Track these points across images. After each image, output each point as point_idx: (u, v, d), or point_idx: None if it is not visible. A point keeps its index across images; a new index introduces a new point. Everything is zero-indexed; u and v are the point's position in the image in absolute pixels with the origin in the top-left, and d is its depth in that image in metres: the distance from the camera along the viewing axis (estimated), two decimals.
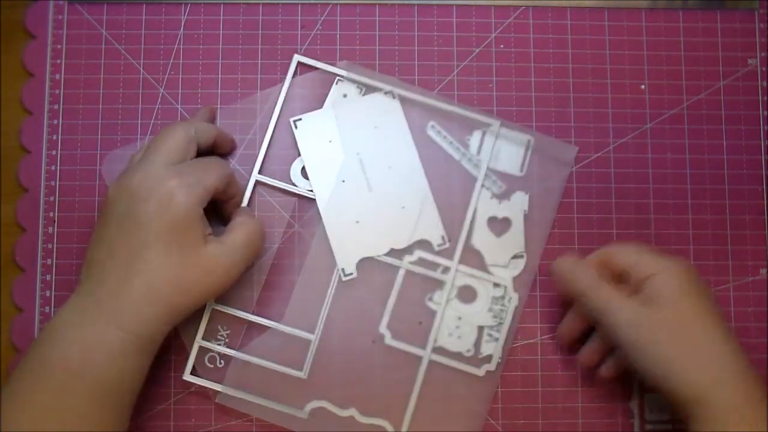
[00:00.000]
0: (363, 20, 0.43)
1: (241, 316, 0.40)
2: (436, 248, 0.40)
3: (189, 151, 0.36)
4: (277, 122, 0.41)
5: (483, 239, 0.41)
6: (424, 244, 0.40)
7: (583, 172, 0.42)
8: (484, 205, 0.41)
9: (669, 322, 0.33)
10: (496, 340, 0.40)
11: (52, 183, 0.41)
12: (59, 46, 0.42)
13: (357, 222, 0.40)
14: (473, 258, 0.41)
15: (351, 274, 0.40)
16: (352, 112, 0.41)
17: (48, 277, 0.41)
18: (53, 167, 0.42)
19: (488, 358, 0.40)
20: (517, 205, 0.41)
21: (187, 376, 0.39)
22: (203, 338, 0.40)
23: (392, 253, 0.40)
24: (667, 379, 0.33)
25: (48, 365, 0.33)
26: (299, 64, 0.42)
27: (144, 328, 0.34)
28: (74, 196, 0.41)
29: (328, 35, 0.43)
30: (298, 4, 0.43)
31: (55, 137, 0.42)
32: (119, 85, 0.42)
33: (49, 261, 0.41)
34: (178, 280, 0.34)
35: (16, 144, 0.42)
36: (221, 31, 0.43)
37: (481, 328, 0.40)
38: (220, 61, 0.42)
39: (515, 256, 0.41)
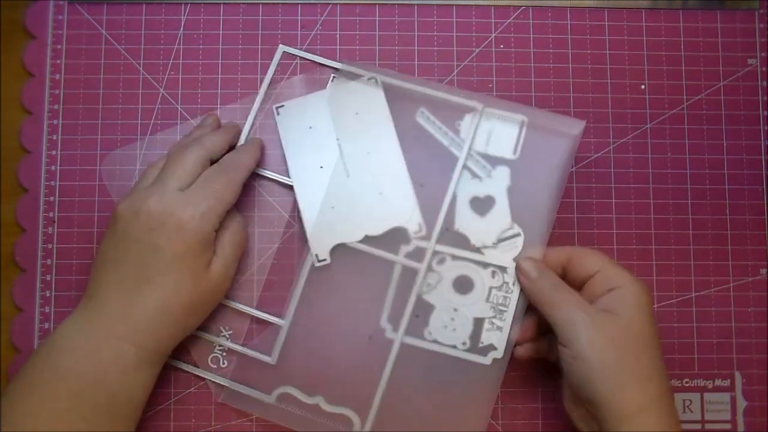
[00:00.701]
0: (363, 20, 0.43)
1: (244, 310, 0.40)
2: (413, 235, 0.40)
3: (201, 172, 0.37)
4: (257, 114, 0.42)
5: (466, 221, 0.40)
6: (402, 231, 0.40)
7: (583, 172, 0.42)
8: (464, 186, 0.40)
9: (621, 336, 0.34)
10: (500, 328, 0.39)
11: (52, 183, 0.41)
12: (59, 46, 0.42)
13: (332, 208, 0.40)
14: (463, 243, 0.40)
15: (324, 260, 0.40)
16: (333, 98, 0.41)
17: (48, 277, 0.41)
18: (53, 167, 0.42)
19: (490, 347, 0.39)
20: (499, 181, 0.40)
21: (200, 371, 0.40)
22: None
23: (389, 242, 0.40)
24: (600, 384, 0.33)
25: (60, 375, 0.33)
26: (285, 55, 0.42)
27: (156, 345, 0.35)
28: (74, 196, 0.41)
29: (328, 35, 0.43)
30: (298, 4, 0.43)
31: (55, 137, 0.42)
32: (119, 85, 0.42)
33: (49, 261, 0.41)
34: (190, 303, 0.35)
35: (16, 144, 0.42)
36: (221, 31, 0.43)
37: (478, 320, 0.39)
38: (220, 61, 0.43)
39: (510, 236, 0.40)
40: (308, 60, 0.42)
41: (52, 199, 0.41)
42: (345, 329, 0.40)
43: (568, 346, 0.34)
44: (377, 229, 0.40)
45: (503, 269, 0.39)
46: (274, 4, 0.43)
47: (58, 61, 0.42)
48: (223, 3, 0.43)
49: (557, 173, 0.40)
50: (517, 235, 0.40)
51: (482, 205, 0.40)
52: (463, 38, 0.43)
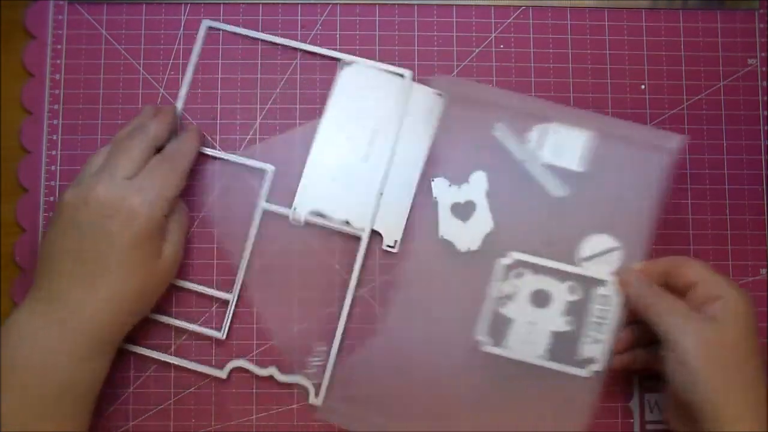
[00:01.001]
0: (363, 20, 0.43)
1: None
2: (384, 247, 0.40)
3: (147, 160, 0.37)
4: (187, 91, 0.42)
5: (449, 228, 0.40)
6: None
7: None
8: (442, 193, 0.40)
9: (725, 343, 0.34)
10: (599, 341, 0.38)
11: (52, 183, 0.41)
12: (59, 46, 0.42)
13: (332, 179, 0.41)
14: (562, 254, 0.39)
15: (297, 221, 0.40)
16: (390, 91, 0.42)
17: None
18: (53, 167, 0.42)
19: (590, 360, 0.38)
20: (476, 186, 0.40)
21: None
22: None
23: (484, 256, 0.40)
24: (702, 388, 0.33)
25: (10, 365, 0.33)
26: (210, 29, 0.42)
27: (107, 335, 0.35)
28: None
29: (328, 35, 0.43)
30: (298, 4, 0.43)
31: (55, 137, 0.42)
32: (119, 85, 0.42)
33: None
34: (142, 290, 0.36)
35: (16, 144, 0.42)
36: (221, 31, 0.43)
37: (557, 334, 0.39)
38: (219, 61, 0.42)
39: (607, 250, 0.39)
40: (235, 33, 0.42)
41: (52, 199, 0.41)
42: (434, 339, 0.40)
43: (675, 351, 0.34)
44: (360, 223, 0.40)
45: (585, 283, 0.39)
46: (274, 4, 0.43)
47: (58, 61, 0.42)
48: (223, 3, 0.43)
49: (652, 187, 0.40)
50: (615, 248, 0.39)
51: (463, 210, 0.40)
52: (463, 38, 0.43)
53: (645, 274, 0.38)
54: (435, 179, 0.41)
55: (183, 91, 0.42)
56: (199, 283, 0.40)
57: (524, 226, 0.40)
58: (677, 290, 0.37)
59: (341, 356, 0.40)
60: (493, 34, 0.43)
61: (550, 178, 0.40)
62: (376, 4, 0.43)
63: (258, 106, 0.42)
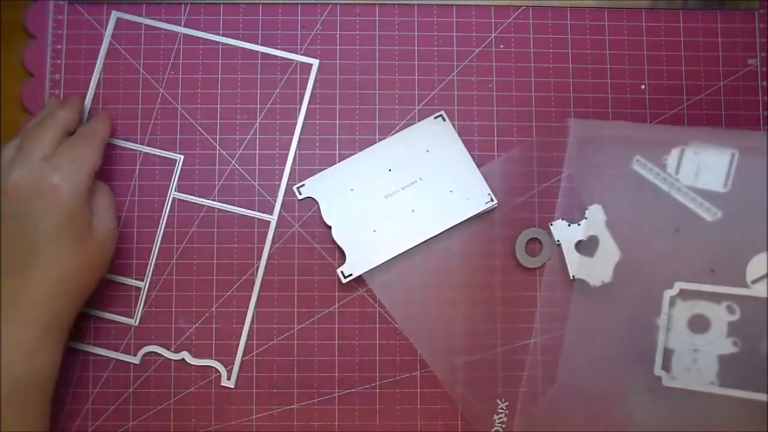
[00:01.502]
0: (363, 20, 0.43)
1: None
2: (339, 270, 0.40)
3: (60, 142, 0.37)
4: (97, 84, 0.42)
5: (579, 266, 0.40)
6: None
7: None
8: (563, 234, 0.40)
9: None
10: None
11: None
12: (59, 46, 0.42)
13: (351, 191, 0.41)
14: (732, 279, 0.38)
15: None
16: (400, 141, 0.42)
17: None
18: None
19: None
20: (595, 220, 0.40)
21: None
22: None
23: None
24: None
25: None
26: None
27: (58, 320, 0.35)
28: None
29: (328, 35, 0.43)
30: (298, 4, 0.43)
31: None
32: (119, 85, 0.42)
33: None
34: (81, 265, 0.35)
35: None
36: (221, 31, 0.43)
37: (724, 357, 0.38)
38: (219, 61, 0.42)
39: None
40: (149, 26, 0.42)
41: None
42: (610, 380, 0.39)
43: None
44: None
45: (747, 301, 0.38)
46: (274, 4, 0.43)
47: (58, 61, 0.42)
48: (223, 3, 0.43)
49: None
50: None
51: (587, 246, 0.40)
52: (463, 38, 0.43)
53: None
54: (553, 223, 0.41)
55: (92, 87, 0.42)
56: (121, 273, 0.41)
57: (651, 253, 0.39)
58: None
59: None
60: (493, 34, 0.43)
61: (699, 201, 0.39)
62: (376, 4, 0.43)
63: (258, 106, 0.42)
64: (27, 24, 0.42)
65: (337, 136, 0.42)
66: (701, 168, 0.40)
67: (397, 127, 0.42)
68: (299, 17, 0.43)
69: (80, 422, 0.40)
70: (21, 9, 0.42)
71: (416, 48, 0.43)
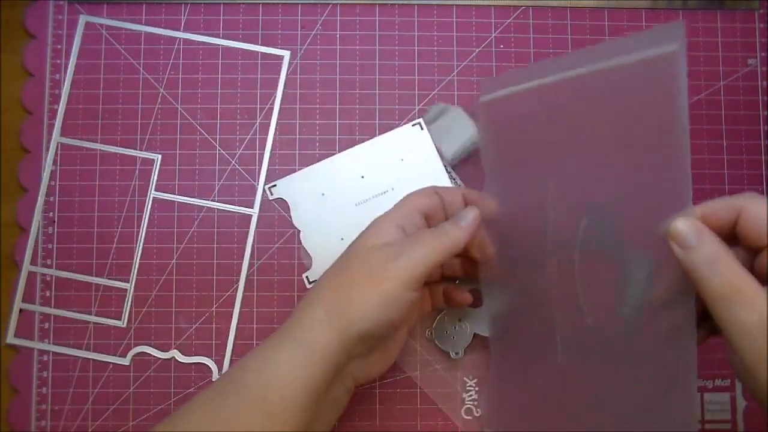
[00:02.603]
0: (363, 20, 0.43)
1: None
2: (305, 275, 0.38)
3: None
4: (69, 92, 0.41)
5: None
6: None
7: None
8: None
9: None
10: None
11: (52, 183, 0.41)
12: (59, 46, 0.42)
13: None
14: None
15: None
16: (371, 149, 0.41)
17: (48, 277, 0.41)
18: (53, 167, 0.42)
19: None
20: None
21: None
22: None
23: None
24: None
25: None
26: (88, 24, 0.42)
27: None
28: (74, 196, 0.41)
29: (328, 35, 0.43)
30: (298, 4, 0.43)
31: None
32: (119, 85, 0.42)
33: (49, 261, 0.41)
34: None
35: (16, 144, 0.42)
36: (221, 31, 0.43)
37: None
38: (219, 61, 0.42)
39: None
40: (115, 27, 0.42)
41: (51, 199, 0.41)
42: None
43: (739, 353, 0.25)
44: None
45: None
46: (274, 4, 0.43)
47: (58, 61, 0.42)
48: (223, 3, 0.43)
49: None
50: None
51: None
52: (463, 38, 0.43)
53: (705, 222, 0.27)
54: None
55: (65, 92, 0.42)
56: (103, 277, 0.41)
57: None
58: (752, 247, 0.27)
59: None
60: (493, 34, 0.43)
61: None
62: (376, 4, 0.43)
63: (258, 106, 0.42)
64: (27, 24, 0.42)
65: (337, 137, 0.42)
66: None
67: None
68: (299, 17, 0.43)
69: (80, 422, 0.40)
70: (21, 9, 0.42)
71: (416, 48, 0.43)
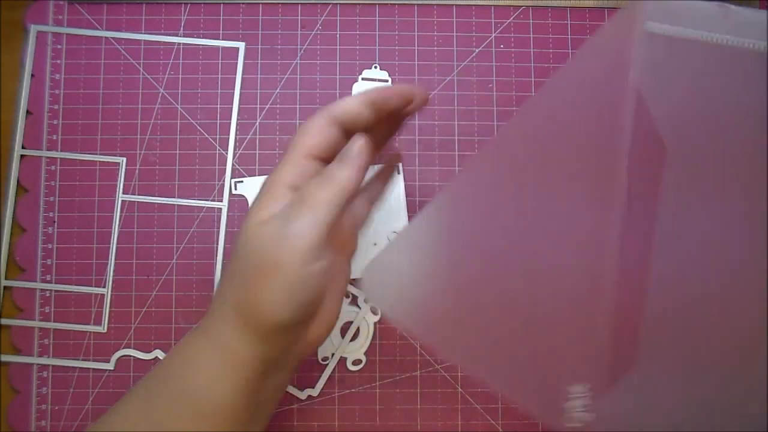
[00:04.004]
0: (363, 20, 0.43)
1: None
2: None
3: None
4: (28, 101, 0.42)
5: None
6: None
7: None
8: None
9: None
10: None
11: (52, 183, 0.41)
12: (59, 46, 0.42)
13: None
14: None
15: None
16: None
17: (48, 277, 0.41)
18: (53, 167, 0.42)
19: None
20: None
21: None
22: None
23: None
24: None
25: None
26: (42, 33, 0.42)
27: None
28: (74, 196, 0.41)
29: (328, 35, 0.43)
30: (298, 4, 0.43)
31: (55, 137, 0.42)
32: (119, 85, 0.42)
33: (49, 261, 0.41)
34: None
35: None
36: (221, 31, 0.43)
37: None
38: (220, 62, 0.42)
39: None
40: (72, 34, 0.42)
41: (51, 199, 0.41)
42: None
43: None
44: None
45: None
46: (274, 4, 0.43)
47: (58, 61, 0.42)
48: (223, 3, 0.43)
49: None
50: None
51: None
52: (463, 38, 0.43)
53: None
54: None
55: (23, 103, 0.42)
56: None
57: None
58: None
59: None
60: (493, 34, 0.43)
61: None
62: (376, 4, 0.43)
63: (258, 106, 0.42)
64: (27, 24, 0.42)
65: None
66: None
67: None
68: (299, 17, 0.43)
69: (80, 422, 0.40)
70: (21, 9, 0.42)
71: (416, 48, 0.43)
